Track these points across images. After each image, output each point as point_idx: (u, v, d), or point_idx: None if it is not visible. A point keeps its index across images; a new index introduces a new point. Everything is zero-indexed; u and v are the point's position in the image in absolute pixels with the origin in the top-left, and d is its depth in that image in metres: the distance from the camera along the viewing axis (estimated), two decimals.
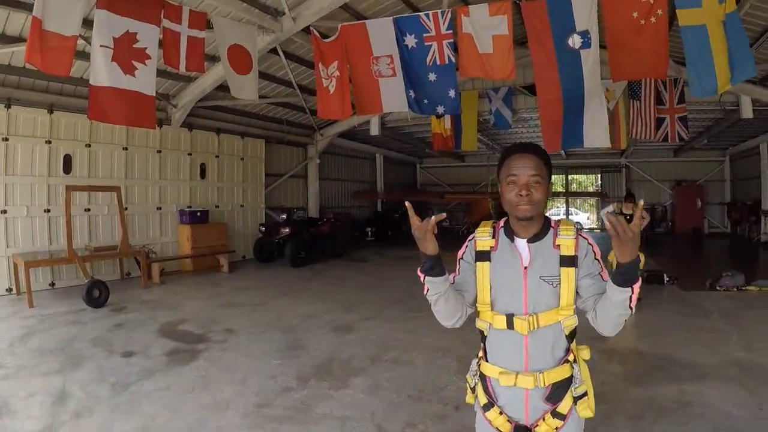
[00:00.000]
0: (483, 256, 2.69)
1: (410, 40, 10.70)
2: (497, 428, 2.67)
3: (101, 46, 8.30)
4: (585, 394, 2.62)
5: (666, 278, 13.02)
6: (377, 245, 22.96)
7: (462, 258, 2.82)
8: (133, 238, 13.64)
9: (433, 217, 2.45)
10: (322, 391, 6.26)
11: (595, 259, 2.63)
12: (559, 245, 2.60)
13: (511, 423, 2.63)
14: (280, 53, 13.29)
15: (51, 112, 12.35)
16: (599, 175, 32.93)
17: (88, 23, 8.75)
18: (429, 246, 2.49)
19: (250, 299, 11.38)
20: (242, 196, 17.80)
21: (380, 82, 11.34)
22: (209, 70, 13.03)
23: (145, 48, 8.85)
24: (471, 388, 2.83)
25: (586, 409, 2.61)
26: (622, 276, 2.29)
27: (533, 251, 2.61)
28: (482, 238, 2.73)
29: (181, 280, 13.60)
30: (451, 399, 5.96)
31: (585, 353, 2.76)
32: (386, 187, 28.74)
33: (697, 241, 24.20)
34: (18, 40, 10.13)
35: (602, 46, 10.04)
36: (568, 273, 2.57)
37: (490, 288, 2.66)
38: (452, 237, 26.11)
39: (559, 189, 33.71)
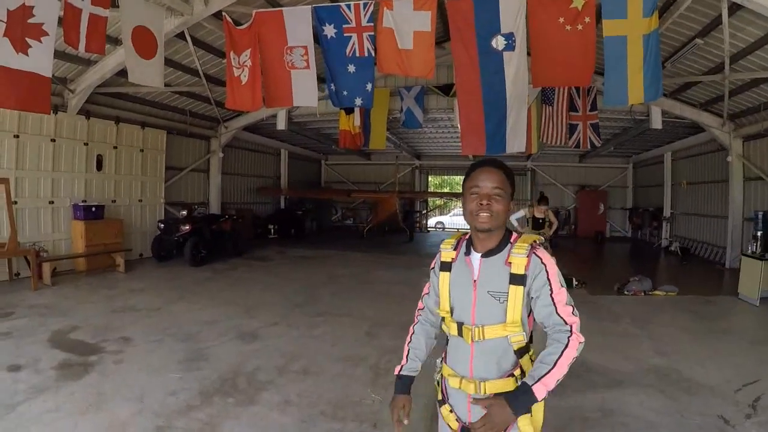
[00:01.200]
0: (445, 266, 2.89)
1: (329, 30, 10.34)
2: (448, 424, 2.87)
3: None
4: (528, 411, 2.59)
5: (574, 282, 13.26)
6: (280, 243, 22.48)
7: (432, 268, 3.05)
8: (23, 235, 12.65)
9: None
10: (228, 408, 5.81)
11: (546, 278, 2.64)
12: (510, 262, 2.67)
13: (459, 422, 2.80)
14: (188, 39, 12.60)
15: None
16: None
17: None
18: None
19: (147, 303, 10.63)
20: (141, 191, 16.78)
21: (292, 74, 10.99)
22: (110, 54, 12.23)
23: (42, 24, 8.05)
24: (437, 383, 3.01)
25: (528, 426, 2.62)
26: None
27: (483, 266, 2.73)
28: (446, 249, 2.93)
29: (75, 281, 12.61)
30: (367, 415, 5.67)
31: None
32: (290, 184, 28.20)
33: (600, 245, 25.55)
34: None
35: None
36: (516, 291, 2.64)
37: (449, 297, 2.83)
38: (355, 235, 26.06)
39: (461, 191, 33.83)
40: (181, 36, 12.31)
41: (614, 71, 9.63)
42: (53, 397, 5.86)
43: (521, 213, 13.34)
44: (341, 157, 32.13)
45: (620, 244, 26.35)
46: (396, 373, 2.99)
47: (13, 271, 12.36)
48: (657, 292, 12.65)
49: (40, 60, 8.20)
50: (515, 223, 13.41)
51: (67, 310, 9.81)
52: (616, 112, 17.44)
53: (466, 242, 2.86)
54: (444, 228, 34.95)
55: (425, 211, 33.28)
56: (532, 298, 2.66)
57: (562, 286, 2.67)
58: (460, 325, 2.75)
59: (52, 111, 13.07)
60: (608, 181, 29.37)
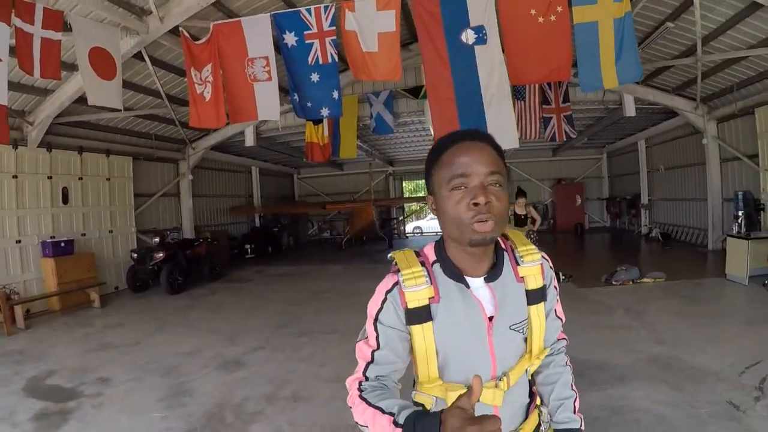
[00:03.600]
0: (420, 315, 1.85)
1: (290, 38, 10.04)
2: None
3: None
4: None
5: (561, 276, 13.19)
6: (257, 262, 22.16)
7: (378, 320, 1.92)
8: None
9: None
10: None
11: (554, 285, 2.13)
12: (524, 277, 1.97)
13: None
14: (146, 59, 12.17)
15: None
16: None
17: None
18: None
19: (124, 338, 10.21)
20: (111, 221, 16.26)
21: (255, 87, 10.65)
22: (68, 80, 11.92)
23: None
24: None
25: None
26: None
27: (498, 294, 1.92)
28: (414, 287, 1.86)
29: (49, 322, 12.08)
30: None
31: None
32: (264, 201, 27.96)
33: (580, 236, 25.91)
34: None
35: None
36: (538, 311, 1.98)
37: (437, 356, 1.90)
38: (333, 248, 25.88)
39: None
40: (139, 56, 11.92)
41: (587, 58, 9.48)
42: None
43: None
44: (313, 170, 31.94)
45: (600, 234, 26.70)
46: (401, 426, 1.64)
47: None
48: (645, 280, 12.72)
49: None
50: None
51: (42, 354, 9.36)
52: (589, 103, 17.42)
53: (441, 266, 1.93)
54: (422, 232, 35.14)
55: (402, 218, 33.28)
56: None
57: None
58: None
59: (12, 146, 12.69)
60: (583, 172, 29.52)
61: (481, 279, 1.91)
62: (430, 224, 36.30)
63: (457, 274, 1.89)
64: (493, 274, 1.92)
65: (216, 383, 7.40)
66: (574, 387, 2.14)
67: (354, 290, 14.18)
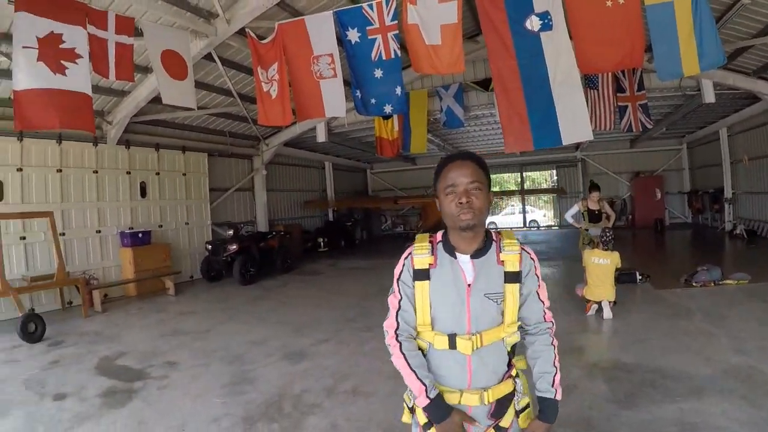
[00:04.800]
0: (421, 274, 2.61)
1: (353, 35, 10.01)
2: None
3: (24, 47, 7.52)
4: (527, 406, 2.68)
5: (638, 276, 12.47)
6: (330, 256, 22.34)
7: (400, 279, 2.71)
8: (73, 265, 12.94)
9: None
10: None
11: (535, 274, 2.67)
12: (503, 261, 2.59)
13: None
14: (216, 59, 12.62)
15: None
16: (554, 171, 32.53)
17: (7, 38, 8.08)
18: None
19: (195, 326, 10.62)
20: (186, 214, 16.99)
21: (321, 84, 10.64)
22: (142, 82, 12.42)
23: (74, 48, 8.07)
24: (409, 408, 2.73)
25: (526, 420, 2.65)
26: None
27: (477, 267, 2.58)
28: (420, 255, 2.63)
29: (125, 307, 12.76)
30: None
31: (521, 363, 2.74)
32: (337, 195, 28.19)
33: (660, 233, 24.33)
34: None
35: None
36: (512, 289, 2.57)
37: (430, 308, 2.60)
38: (406, 243, 25.96)
39: (514, 187, 33.39)
40: (210, 57, 12.35)
41: (663, 42, 8.80)
42: (95, 426, 5.85)
43: (575, 209, 12.64)
44: (386, 165, 32.10)
45: (681, 230, 25.04)
46: (426, 401, 2.50)
47: (65, 300, 12.60)
48: (728, 282, 11.61)
49: (78, 80, 8.20)
50: (570, 220, 12.79)
51: (116, 336, 9.90)
52: (665, 90, 16.61)
53: (442, 245, 2.65)
54: (497, 228, 34.38)
55: None
56: (521, 294, 2.62)
57: (542, 280, 2.72)
58: (452, 336, 2.54)
59: (92, 143, 13.56)
60: (663, 164, 28.00)
61: (468, 255, 2.58)
62: (504, 219, 35.91)
63: (451, 250, 2.61)
64: (477, 253, 2.58)
65: (278, 373, 7.51)
66: (556, 364, 2.66)
67: None
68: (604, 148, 28.31)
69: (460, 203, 2.47)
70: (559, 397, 2.62)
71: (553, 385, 2.61)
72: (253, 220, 20.85)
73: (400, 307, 2.68)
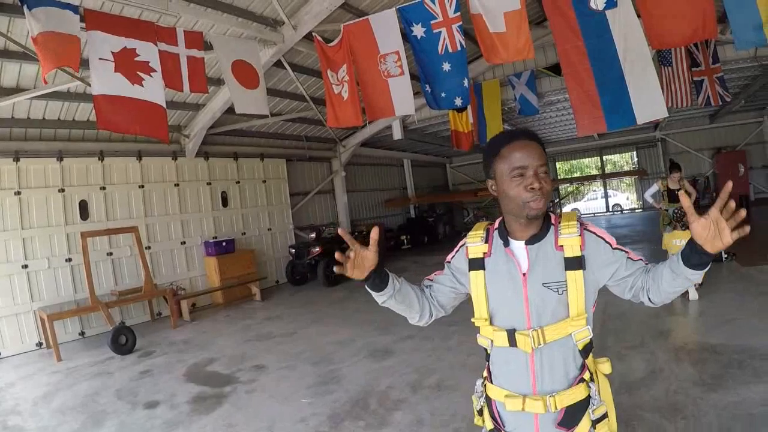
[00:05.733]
0: (476, 264, 2.46)
1: (418, 30, 9.91)
2: None
3: (100, 59, 7.74)
4: (605, 415, 2.31)
5: (724, 255, 12.13)
6: (414, 253, 22.35)
7: (450, 262, 2.65)
8: (160, 277, 13.33)
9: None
10: None
11: (614, 249, 2.34)
12: (562, 246, 2.31)
13: None
14: (286, 66, 12.68)
15: (61, 159, 11.93)
16: (634, 152, 31.58)
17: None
18: (356, 273, 2.36)
19: (282, 329, 10.81)
20: (269, 220, 17.28)
21: (390, 83, 10.57)
22: (216, 94, 12.68)
23: (148, 62, 8.27)
24: (477, 411, 2.58)
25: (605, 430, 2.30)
26: (701, 262, 2.07)
27: (532, 254, 2.34)
28: (474, 243, 2.50)
29: (213, 315, 13.07)
30: None
31: (605, 367, 2.42)
32: (417, 192, 28.15)
33: (746, 209, 23.14)
34: (17, 90, 9.83)
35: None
36: (575, 277, 2.26)
37: (487, 300, 2.41)
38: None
39: (595, 171, 32.86)
40: (279, 65, 12.46)
41: (740, 6, 8.28)
42: None
43: (654, 188, 12.45)
44: (465, 158, 31.74)
45: (767, 205, 24.14)
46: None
47: (154, 312, 13.02)
48: None
49: (154, 91, 8.40)
50: (650, 200, 12.63)
51: (205, 344, 10.15)
52: (741, 62, 15.73)
53: (498, 231, 2.46)
54: (581, 214, 33.93)
55: (558, 200, 32.17)
56: (615, 275, 2.31)
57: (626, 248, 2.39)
58: (511, 332, 2.30)
59: (171, 158, 13.92)
60: (744, 138, 26.79)
61: (522, 242, 2.35)
62: (587, 206, 35.31)
63: (504, 236, 2.40)
64: (533, 239, 2.34)
65: (364, 371, 7.63)
66: None
67: None
68: (683, 125, 27.41)
69: (532, 188, 2.20)
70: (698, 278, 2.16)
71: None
72: (335, 221, 20.93)
73: (436, 279, 2.69)
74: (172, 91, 9.29)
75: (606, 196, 33.84)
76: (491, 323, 2.40)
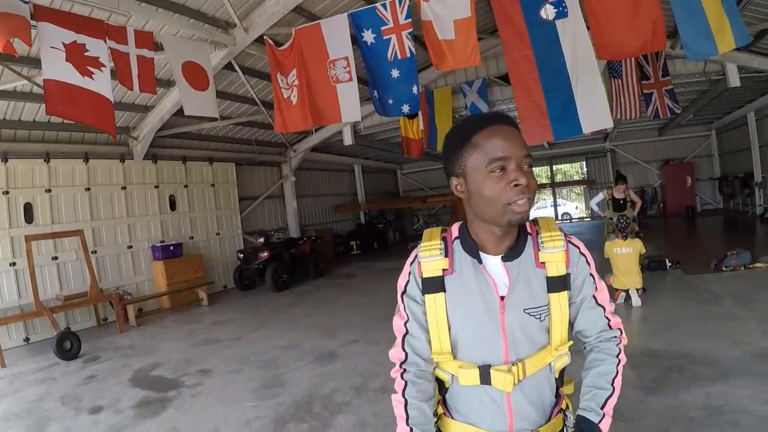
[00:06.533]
0: (432, 284, 1.96)
1: (368, 36, 9.93)
2: None
3: (51, 47, 7.62)
4: None
5: (668, 263, 12.45)
6: (363, 258, 22.37)
7: (405, 293, 2.05)
8: (107, 281, 13.11)
9: None
10: None
11: (590, 274, 2.00)
12: (544, 263, 1.93)
13: None
14: (237, 69, 12.67)
15: (5, 160, 11.64)
16: (584, 162, 32.22)
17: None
18: None
19: (228, 333, 10.73)
20: (217, 224, 17.10)
21: (338, 89, 10.55)
22: (165, 96, 12.58)
23: (98, 57, 8.16)
24: None
25: None
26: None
27: (513, 274, 1.91)
28: (428, 258, 1.98)
29: (160, 320, 12.88)
30: None
31: (569, 388, 2.15)
32: (368, 198, 28.18)
33: (692, 220, 24.18)
34: None
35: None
36: (559, 299, 1.92)
37: (450, 330, 1.95)
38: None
39: (545, 180, 33.29)
40: (230, 67, 12.41)
41: (690, 19, 8.31)
42: None
43: (600, 196, 12.81)
44: (416, 165, 31.86)
45: (713, 216, 24.88)
46: None
47: (100, 317, 12.74)
48: (758, 265, 11.47)
49: (103, 85, 8.27)
50: (596, 208, 12.96)
51: (151, 349, 10.01)
52: (690, 76, 16.37)
53: (461, 242, 1.99)
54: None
55: None
56: (572, 302, 1.99)
57: (600, 279, 2.06)
58: (485, 369, 1.90)
59: (119, 160, 13.74)
60: (692, 151, 27.59)
61: (498, 258, 1.93)
62: (537, 213, 35.52)
63: (473, 250, 1.93)
64: (511, 254, 1.92)
65: (309, 375, 7.63)
66: (615, 383, 1.97)
67: None
68: (632, 137, 28.06)
69: (516, 185, 1.76)
70: (606, 426, 1.91)
71: (603, 408, 1.92)
72: (284, 226, 20.89)
73: (407, 331, 2.04)
74: (121, 92, 9.22)
75: (555, 205, 34.33)
76: (454, 357, 1.98)
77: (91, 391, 7.69)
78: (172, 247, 14.56)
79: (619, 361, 2.01)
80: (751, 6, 11.93)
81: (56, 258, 12.31)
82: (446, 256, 1.96)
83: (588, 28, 9.01)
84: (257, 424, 5.98)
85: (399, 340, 2.07)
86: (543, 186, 32.89)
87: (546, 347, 1.93)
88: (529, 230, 1.98)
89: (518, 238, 1.94)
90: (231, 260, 17.07)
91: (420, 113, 16.43)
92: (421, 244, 2.01)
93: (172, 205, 15.54)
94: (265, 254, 15.72)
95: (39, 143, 12.02)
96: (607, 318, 2.03)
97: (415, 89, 10.24)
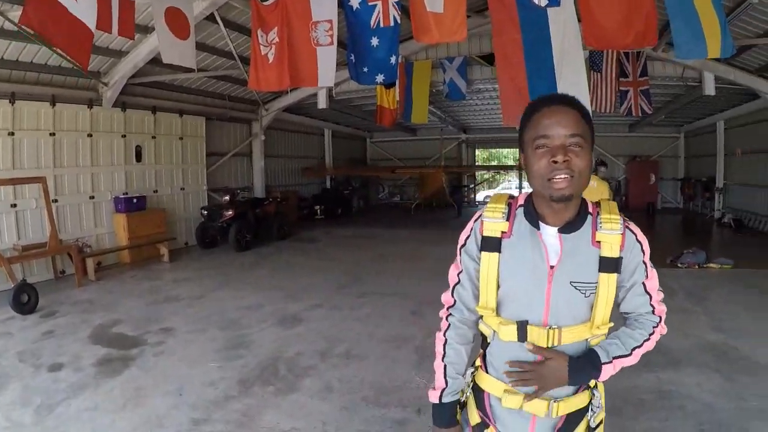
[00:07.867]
0: (490, 244, 2.06)
1: (354, 1, 9.75)
2: None
3: None
4: (601, 422, 2.14)
5: None
6: (326, 224, 22.29)
7: (464, 247, 2.20)
8: (66, 232, 12.61)
9: None
10: (267, 397, 5.75)
11: (643, 261, 2.06)
12: (599, 242, 1.98)
13: None
14: (219, 21, 12.33)
15: None
16: None
17: None
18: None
19: (190, 292, 10.58)
20: (182, 179, 16.68)
21: (318, 52, 10.42)
22: (142, 42, 12.10)
23: None
24: (459, 404, 2.25)
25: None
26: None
27: (566, 246, 1.99)
28: (491, 219, 2.08)
29: (119, 275, 12.55)
30: (411, 400, 5.52)
31: None
32: (336, 163, 28.02)
33: (651, 216, 24.79)
34: None
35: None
36: (608, 280, 1.97)
37: (498, 288, 2.06)
38: (402, 213, 25.79)
39: (512, 162, 33.41)
40: (212, 19, 12.08)
41: (683, 18, 8.42)
42: (92, 395, 5.83)
43: None
44: (386, 134, 31.70)
45: (672, 215, 25.66)
46: (435, 400, 2.20)
47: (58, 269, 12.22)
48: (712, 265, 12.29)
49: (87, 10, 7.99)
50: None
51: (110, 305, 9.76)
52: (668, 79, 16.62)
53: (525, 210, 2.08)
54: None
55: (473, 185, 32.82)
56: (621, 286, 2.07)
57: (653, 267, 2.12)
58: (522, 325, 2.01)
59: (87, 105, 13.20)
60: (659, 150, 28.27)
61: (555, 229, 2.01)
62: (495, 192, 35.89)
63: (534, 218, 2.03)
64: (568, 227, 2.00)
65: (273, 337, 7.69)
66: (634, 351, 2.09)
67: (419, 255, 14.29)
68: (603, 130, 27.78)
69: (554, 162, 1.87)
70: (604, 374, 2.04)
71: (610, 359, 2.03)
72: (250, 186, 20.62)
73: (459, 281, 2.21)
74: (96, 35, 8.82)
75: (520, 187, 34.34)
76: (497, 314, 2.09)
77: (49, 348, 7.44)
78: (135, 200, 14.17)
79: (649, 338, 2.13)
80: (737, 21, 12.03)
81: (15, 205, 11.74)
82: (507, 220, 2.07)
83: (579, 20, 9.08)
84: (222, 385, 6.02)
85: (451, 287, 2.26)
86: (510, 167, 33.15)
87: (586, 323, 2.03)
88: (590, 210, 2.06)
89: (578, 214, 2.03)
90: (194, 216, 16.70)
91: (397, 83, 16.26)
92: (488, 205, 2.12)
93: (138, 156, 15.01)
94: (230, 213, 15.51)
95: (5, 83, 11.41)
96: (652, 306, 2.14)
97: (393, 59, 10.15)
